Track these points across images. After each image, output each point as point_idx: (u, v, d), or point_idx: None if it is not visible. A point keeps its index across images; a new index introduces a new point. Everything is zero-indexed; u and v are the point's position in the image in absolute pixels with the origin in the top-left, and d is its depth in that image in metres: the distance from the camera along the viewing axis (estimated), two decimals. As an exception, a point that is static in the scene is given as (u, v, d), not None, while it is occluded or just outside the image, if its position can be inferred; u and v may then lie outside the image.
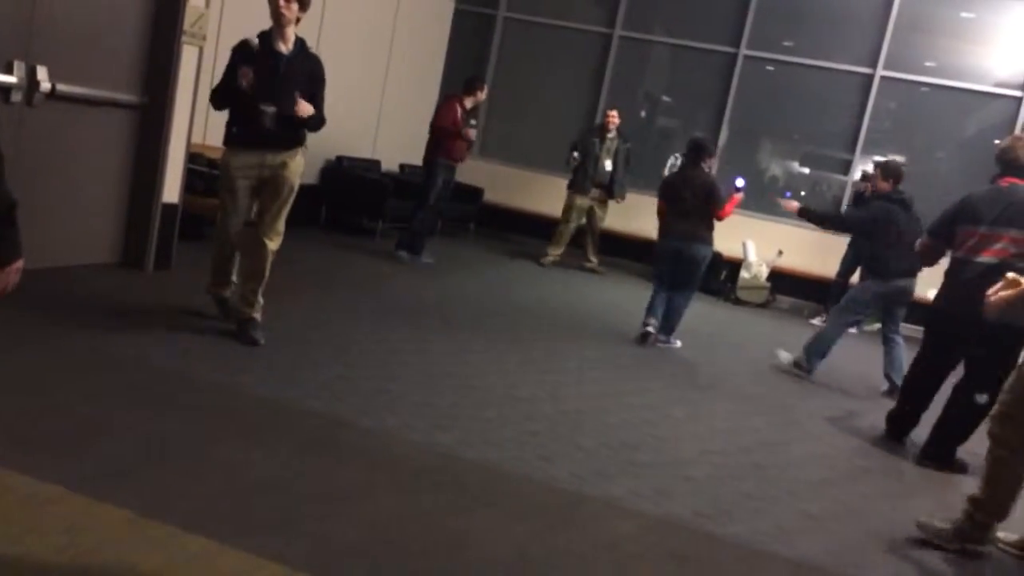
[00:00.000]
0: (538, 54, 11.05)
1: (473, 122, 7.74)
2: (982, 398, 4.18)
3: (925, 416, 4.71)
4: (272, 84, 4.26)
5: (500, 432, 3.77)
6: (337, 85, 8.72)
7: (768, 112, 10.48)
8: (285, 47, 4.33)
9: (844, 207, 9.66)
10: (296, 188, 4.50)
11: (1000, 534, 3.50)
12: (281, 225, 4.55)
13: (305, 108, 4.33)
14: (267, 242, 4.47)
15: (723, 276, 9.39)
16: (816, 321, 8.66)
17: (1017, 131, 9.25)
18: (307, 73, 4.45)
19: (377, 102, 9.49)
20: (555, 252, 9.09)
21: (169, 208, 5.54)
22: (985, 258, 4.24)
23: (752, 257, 9.17)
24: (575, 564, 2.70)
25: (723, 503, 3.43)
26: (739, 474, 3.83)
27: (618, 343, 6.11)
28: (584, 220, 9.10)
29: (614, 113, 8.84)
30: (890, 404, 5.04)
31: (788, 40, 10.20)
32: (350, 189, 8.73)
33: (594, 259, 9.26)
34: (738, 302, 9.06)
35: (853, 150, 9.91)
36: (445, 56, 10.62)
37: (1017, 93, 9.35)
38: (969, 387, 4.34)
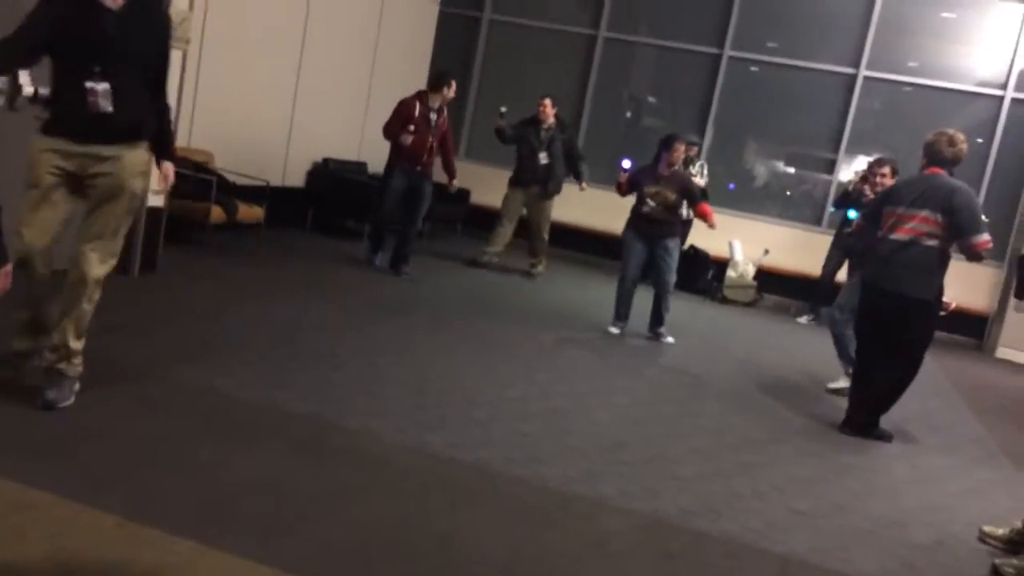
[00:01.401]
0: (523, 56, 11.06)
1: (433, 115, 7.07)
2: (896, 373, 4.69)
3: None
4: (98, 50, 3.06)
5: (489, 432, 3.77)
6: (323, 87, 8.77)
7: (753, 112, 10.53)
8: (113, 1, 3.09)
9: (829, 205, 9.71)
10: (140, 196, 3.30)
11: (986, 528, 3.52)
12: (114, 244, 3.27)
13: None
14: (88, 265, 3.17)
15: (710, 275, 9.43)
16: (803, 320, 8.71)
17: (999, 131, 9.34)
18: (148, 36, 3.25)
19: (363, 104, 9.47)
20: (492, 249, 8.45)
21: (154, 212, 5.51)
22: (899, 235, 4.59)
23: (738, 256, 9.21)
24: (565, 563, 2.70)
25: (711, 500, 3.44)
26: (727, 472, 3.84)
27: (605, 341, 6.12)
28: (527, 216, 8.43)
29: (547, 102, 8.15)
30: None
31: (772, 41, 10.25)
32: (336, 191, 8.70)
33: (535, 261, 8.47)
34: (725, 301, 9.09)
35: (837, 150, 9.97)
36: (431, 58, 10.61)
37: (998, 92, 9.43)
38: (888, 359, 4.70)
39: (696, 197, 6.43)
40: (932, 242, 4.49)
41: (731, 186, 6.42)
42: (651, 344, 6.34)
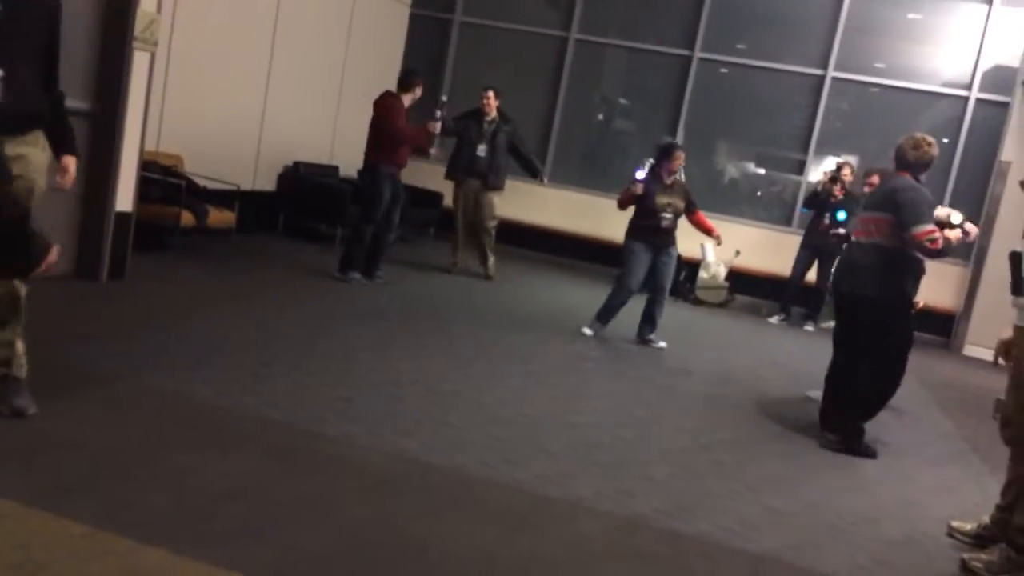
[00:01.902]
0: (495, 58, 11.06)
1: (439, 113, 7.24)
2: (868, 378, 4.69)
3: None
4: None
5: (465, 436, 3.76)
6: (294, 90, 8.71)
7: (723, 114, 10.61)
8: None
9: (799, 206, 9.80)
10: (42, 191, 3.10)
11: (955, 523, 3.57)
12: None
13: None
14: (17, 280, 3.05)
15: (682, 277, 9.48)
16: (774, 320, 8.79)
17: (964, 130, 9.49)
18: (39, 20, 3.05)
19: (334, 107, 9.43)
20: (455, 257, 8.28)
21: (123, 217, 5.45)
22: (858, 239, 4.71)
23: (710, 258, 9.27)
24: (541, 566, 2.70)
25: (686, 501, 3.46)
26: (701, 472, 3.86)
27: (580, 345, 6.14)
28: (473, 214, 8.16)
29: (491, 95, 7.98)
30: None
31: (741, 43, 10.33)
32: (308, 195, 8.65)
33: (484, 260, 8.20)
34: (697, 302, 9.15)
35: (806, 151, 10.06)
36: (402, 61, 10.59)
37: (963, 93, 9.58)
38: (865, 365, 4.70)
39: (695, 206, 6.43)
40: (885, 242, 4.50)
41: (642, 175, 6.27)
42: (624, 347, 6.36)
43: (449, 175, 8.22)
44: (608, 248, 9.39)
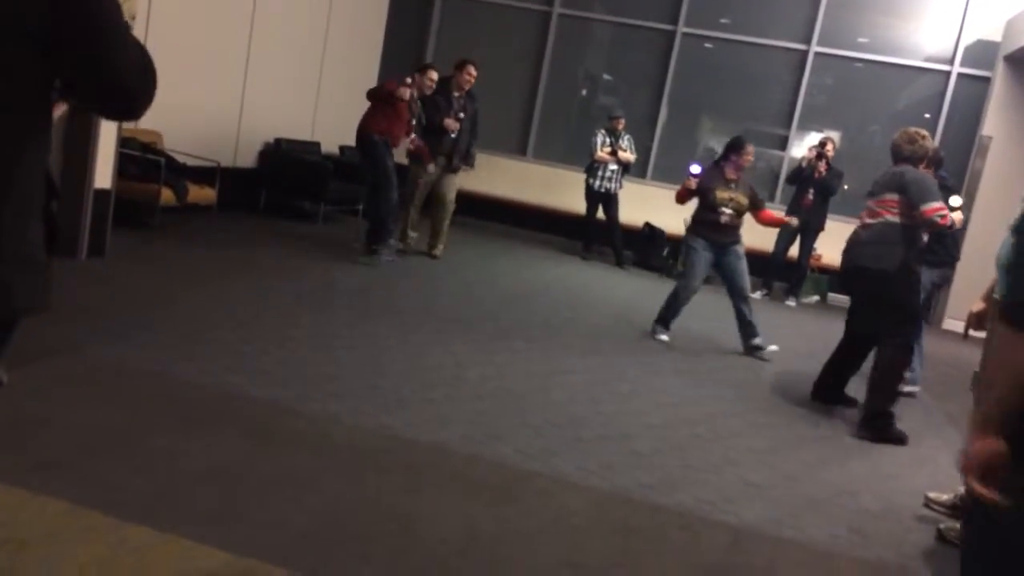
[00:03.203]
0: (478, 33, 10.99)
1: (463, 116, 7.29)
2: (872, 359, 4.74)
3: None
4: None
5: (448, 412, 3.78)
6: (274, 66, 8.63)
7: (706, 89, 10.61)
8: None
9: (782, 181, 9.83)
10: None
11: (931, 494, 3.62)
12: None
13: None
14: None
15: (665, 253, 9.51)
16: (756, 295, 8.82)
17: (945, 105, 9.54)
18: None
19: (315, 83, 9.35)
20: (407, 237, 7.65)
21: (102, 194, 5.40)
22: (866, 220, 4.78)
23: (693, 233, 9.28)
24: (523, 539, 2.72)
25: (667, 475, 3.49)
26: (683, 446, 3.90)
27: (562, 322, 6.16)
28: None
29: (471, 68, 7.46)
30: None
31: (725, 17, 10.31)
32: (290, 172, 8.59)
33: (434, 242, 7.72)
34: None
35: (789, 125, 10.08)
36: (384, 36, 10.50)
37: (945, 67, 9.61)
38: (877, 341, 4.75)
39: (761, 204, 6.12)
40: (893, 218, 4.61)
41: (698, 170, 6.11)
42: (602, 323, 6.38)
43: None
44: (574, 219, 9.44)
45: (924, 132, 4.77)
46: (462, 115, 7.43)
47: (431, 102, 7.38)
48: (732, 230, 5.96)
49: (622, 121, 9.32)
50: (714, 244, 5.93)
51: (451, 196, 7.68)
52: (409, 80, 7.07)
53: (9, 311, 1.55)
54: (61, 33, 1.38)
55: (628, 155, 9.33)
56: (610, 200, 9.30)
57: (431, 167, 7.39)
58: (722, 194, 5.87)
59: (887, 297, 4.65)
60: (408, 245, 7.67)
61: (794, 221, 6.75)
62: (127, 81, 1.51)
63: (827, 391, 5.02)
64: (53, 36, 1.38)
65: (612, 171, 9.22)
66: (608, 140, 9.23)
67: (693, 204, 6.13)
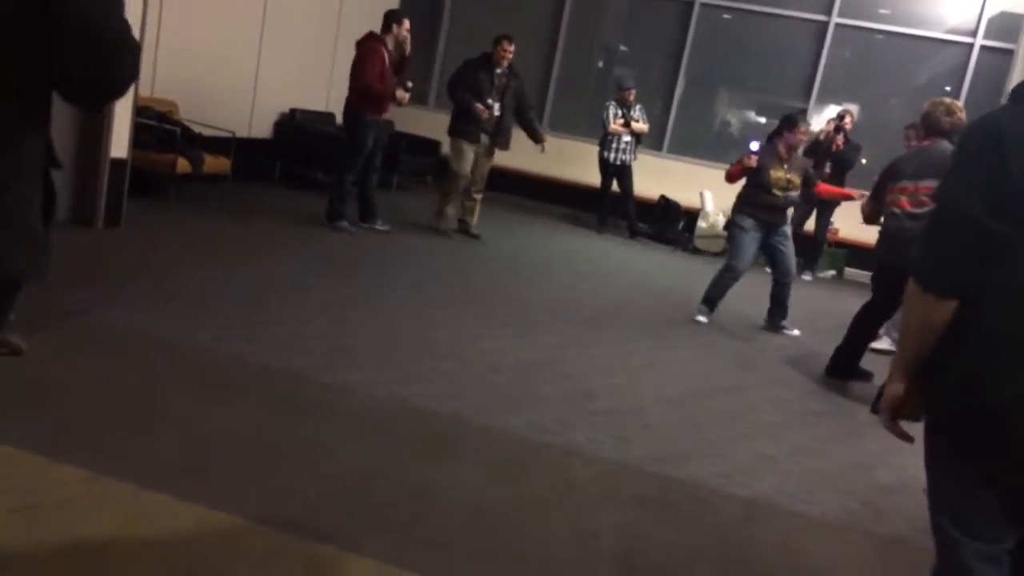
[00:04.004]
0: (495, 4, 10.88)
1: (410, 85, 6.93)
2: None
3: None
4: None
5: (461, 384, 3.78)
6: (289, 37, 8.58)
7: (724, 61, 10.48)
8: None
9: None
10: None
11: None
12: None
13: None
14: None
15: (681, 226, 9.47)
16: (807, 277, 8.74)
17: (967, 78, 9.39)
18: None
19: (330, 54, 9.30)
20: (448, 221, 7.54)
21: (118, 163, 5.41)
22: (904, 209, 4.57)
23: (709, 207, 9.24)
24: (536, 510, 2.74)
25: (680, 447, 3.49)
26: (696, 419, 3.90)
27: (577, 295, 6.15)
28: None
29: (507, 44, 7.17)
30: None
31: (744, -12, 10.17)
32: (304, 143, 8.59)
33: (471, 219, 7.61)
34: (695, 251, 9.14)
35: (808, 98, 9.96)
36: (399, 5, 10.41)
37: (968, 40, 9.45)
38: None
39: (813, 180, 5.99)
40: None
41: (756, 147, 5.91)
42: (619, 295, 6.37)
43: (460, 134, 7.29)
44: (580, 190, 9.41)
45: (959, 104, 4.58)
46: (490, 102, 7.14)
47: (473, 81, 7.15)
48: (783, 210, 5.81)
49: (633, 92, 9.23)
50: (763, 224, 5.75)
51: (485, 174, 7.55)
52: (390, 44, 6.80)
53: (4, 276, 1.57)
54: None
55: (641, 125, 9.26)
56: (624, 172, 9.25)
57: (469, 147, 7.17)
58: (776, 174, 5.65)
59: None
60: (455, 231, 7.54)
61: (858, 194, 6.42)
62: (114, 48, 1.54)
63: (843, 366, 4.98)
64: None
65: (626, 143, 9.16)
66: (620, 112, 9.15)
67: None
